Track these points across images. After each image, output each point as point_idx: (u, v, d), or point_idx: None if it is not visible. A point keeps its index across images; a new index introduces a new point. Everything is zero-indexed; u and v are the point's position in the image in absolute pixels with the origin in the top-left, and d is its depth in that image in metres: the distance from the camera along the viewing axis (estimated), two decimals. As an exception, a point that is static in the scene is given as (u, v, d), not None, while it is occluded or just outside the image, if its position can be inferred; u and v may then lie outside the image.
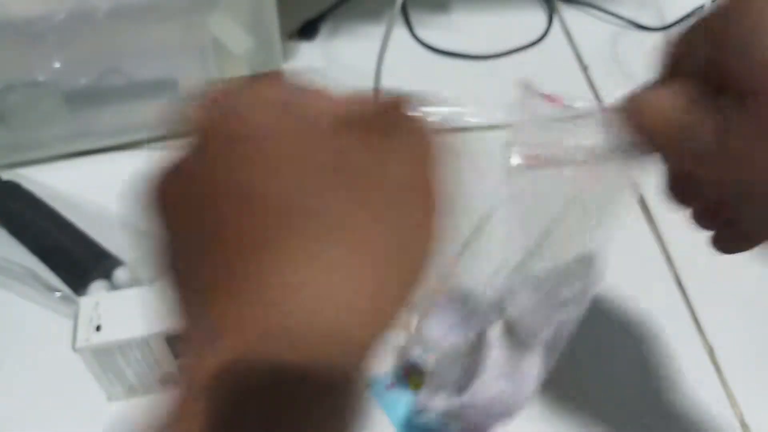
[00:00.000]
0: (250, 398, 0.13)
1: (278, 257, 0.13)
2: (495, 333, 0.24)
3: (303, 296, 0.13)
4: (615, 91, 0.53)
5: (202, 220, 0.14)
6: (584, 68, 0.50)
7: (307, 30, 0.51)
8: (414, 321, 0.24)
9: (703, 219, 0.23)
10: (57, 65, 0.37)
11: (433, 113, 0.17)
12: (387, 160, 0.14)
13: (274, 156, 0.14)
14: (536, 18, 0.54)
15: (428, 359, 0.26)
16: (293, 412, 0.13)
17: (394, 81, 0.44)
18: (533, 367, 0.23)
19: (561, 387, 0.33)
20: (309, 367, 0.13)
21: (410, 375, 0.33)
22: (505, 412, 0.21)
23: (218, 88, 0.15)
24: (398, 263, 0.14)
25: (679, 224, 0.41)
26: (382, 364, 0.33)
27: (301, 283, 0.13)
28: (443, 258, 0.15)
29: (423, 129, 0.15)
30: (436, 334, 0.25)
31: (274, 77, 0.17)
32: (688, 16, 0.52)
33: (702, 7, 0.49)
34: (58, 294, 0.34)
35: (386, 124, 0.15)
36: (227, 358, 0.13)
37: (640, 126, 0.19)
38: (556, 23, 0.53)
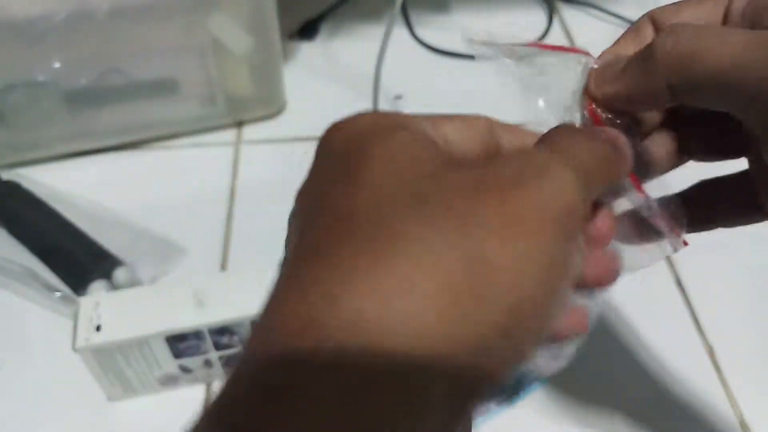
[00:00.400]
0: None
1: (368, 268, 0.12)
2: None
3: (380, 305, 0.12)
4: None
5: (315, 203, 0.14)
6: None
7: (307, 30, 0.51)
8: None
9: None
10: (57, 65, 0.37)
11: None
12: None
13: (368, 171, 0.14)
14: (536, 18, 0.54)
15: None
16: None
17: (394, 81, 0.44)
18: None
19: (561, 386, 0.33)
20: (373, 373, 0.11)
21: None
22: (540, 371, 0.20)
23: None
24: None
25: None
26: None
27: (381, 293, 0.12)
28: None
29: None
30: None
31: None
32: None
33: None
34: (58, 294, 0.34)
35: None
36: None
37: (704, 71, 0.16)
38: (555, 23, 0.53)
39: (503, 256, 0.13)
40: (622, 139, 0.16)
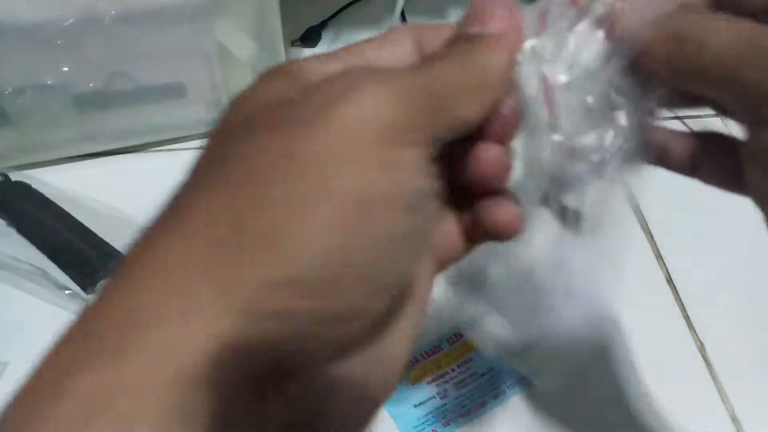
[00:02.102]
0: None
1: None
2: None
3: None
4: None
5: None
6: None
7: (310, 36, 0.52)
8: None
9: None
10: (65, 69, 0.38)
11: None
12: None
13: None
14: (533, 22, 0.55)
15: None
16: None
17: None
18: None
19: (551, 382, 0.33)
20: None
21: (409, 369, 0.34)
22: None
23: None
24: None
25: (669, 224, 0.42)
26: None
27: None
28: None
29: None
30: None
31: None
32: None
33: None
34: (67, 292, 0.34)
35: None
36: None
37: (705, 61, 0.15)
38: (551, 30, 0.54)
39: (287, 212, 0.12)
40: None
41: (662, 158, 0.19)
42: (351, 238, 0.12)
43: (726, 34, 0.15)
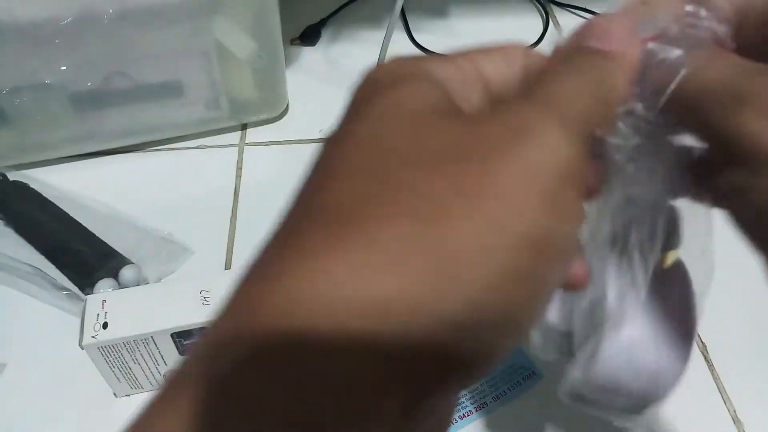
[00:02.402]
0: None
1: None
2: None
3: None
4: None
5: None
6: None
7: (309, 35, 0.52)
8: None
9: None
10: (63, 68, 0.38)
11: None
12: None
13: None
14: (532, 22, 0.54)
15: None
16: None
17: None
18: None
19: (553, 381, 0.33)
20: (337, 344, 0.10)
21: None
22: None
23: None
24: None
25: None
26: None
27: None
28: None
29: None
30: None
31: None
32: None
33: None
34: (65, 292, 0.34)
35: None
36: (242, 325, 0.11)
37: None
38: (551, 28, 0.54)
39: (468, 243, 0.11)
40: (617, 41, 0.14)
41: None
42: (520, 282, 0.12)
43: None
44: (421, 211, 0.11)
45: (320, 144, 0.14)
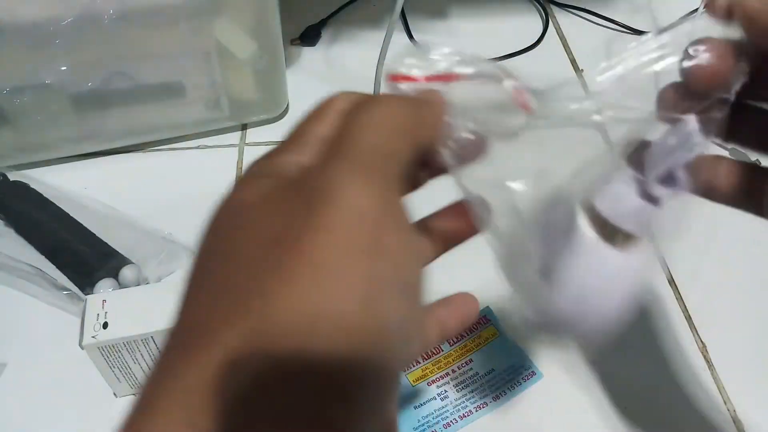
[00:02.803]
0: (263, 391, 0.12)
1: (277, 277, 0.13)
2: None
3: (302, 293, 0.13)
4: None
5: (219, 249, 0.16)
6: (579, 72, 0.51)
7: (309, 35, 0.52)
8: None
9: None
10: (64, 68, 0.38)
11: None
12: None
13: (255, 223, 0.15)
14: (532, 23, 0.55)
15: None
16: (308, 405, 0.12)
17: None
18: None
19: (555, 382, 0.33)
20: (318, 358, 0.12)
21: (410, 370, 0.33)
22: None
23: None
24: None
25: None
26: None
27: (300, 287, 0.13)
28: None
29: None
30: None
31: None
32: (680, 20, 0.53)
33: (695, 11, 0.50)
34: (65, 292, 0.34)
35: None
36: (231, 351, 0.13)
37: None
38: (551, 28, 0.54)
39: (289, 325, 0.13)
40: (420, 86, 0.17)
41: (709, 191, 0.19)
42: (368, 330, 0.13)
43: None
44: (252, 305, 0.13)
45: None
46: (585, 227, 0.18)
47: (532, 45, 0.52)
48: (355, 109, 0.16)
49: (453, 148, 0.17)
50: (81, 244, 0.36)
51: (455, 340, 0.34)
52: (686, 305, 0.37)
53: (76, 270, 0.35)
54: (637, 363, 0.34)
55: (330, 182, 0.14)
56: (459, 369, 0.33)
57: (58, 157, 0.42)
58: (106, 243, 0.36)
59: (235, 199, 0.16)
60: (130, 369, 0.30)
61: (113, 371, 0.30)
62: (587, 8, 0.55)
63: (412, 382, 0.33)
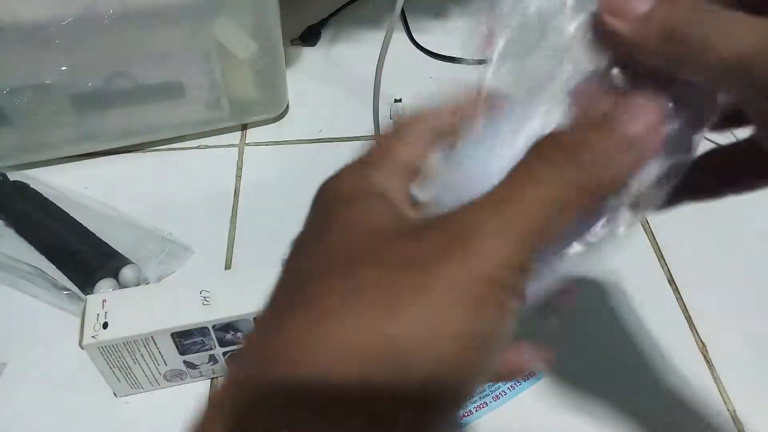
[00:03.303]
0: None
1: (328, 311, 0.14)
2: None
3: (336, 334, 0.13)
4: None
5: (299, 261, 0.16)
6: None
7: (309, 35, 0.52)
8: None
9: None
10: (64, 68, 0.38)
11: None
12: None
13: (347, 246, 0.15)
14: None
15: None
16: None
17: (394, 85, 0.45)
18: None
19: (554, 381, 0.33)
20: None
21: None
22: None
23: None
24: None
25: (670, 222, 0.42)
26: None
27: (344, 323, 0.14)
28: None
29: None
30: None
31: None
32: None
33: None
34: (65, 292, 0.34)
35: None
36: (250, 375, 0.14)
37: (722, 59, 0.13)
38: (552, 29, 0.54)
39: (414, 334, 0.13)
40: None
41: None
42: (454, 367, 0.14)
43: (736, 36, 0.14)
44: (378, 303, 0.14)
45: (294, 243, 0.17)
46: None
47: (532, 45, 0.52)
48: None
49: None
50: (81, 244, 0.36)
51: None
52: (686, 305, 0.37)
53: (76, 270, 0.35)
54: (637, 363, 0.34)
55: (465, 230, 0.14)
56: (459, 369, 0.33)
57: (58, 157, 0.42)
58: (106, 243, 0.36)
59: (348, 216, 0.16)
60: (130, 369, 0.30)
61: (113, 371, 0.30)
62: (587, 8, 0.55)
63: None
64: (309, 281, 0.15)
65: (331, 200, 0.16)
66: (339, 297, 0.14)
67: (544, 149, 0.15)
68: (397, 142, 0.18)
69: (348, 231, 0.15)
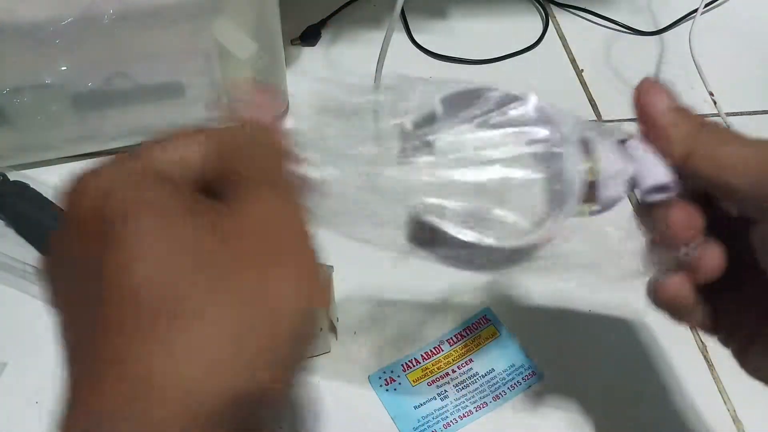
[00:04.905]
0: None
1: (134, 341, 0.14)
2: None
3: (156, 372, 0.14)
4: (609, 94, 0.53)
5: (73, 298, 0.16)
6: (579, 72, 0.51)
7: (309, 35, 0.52)
8: None
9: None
10: (64, 68, 0.38)
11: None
12: (242, 233, 0.15)
13: (136, 239, 0.15)
14: (532, 23, 0.55)
15: None
16: None
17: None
18: None
19: (553, 382, 0.33)
20: None
21: (410, 370, 0.34)
22: None
23: (91, 168, 0.17)
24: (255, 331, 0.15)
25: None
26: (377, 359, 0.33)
27: (154, 361, 0.14)
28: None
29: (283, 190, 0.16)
30: None
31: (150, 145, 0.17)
32: (680, 20, 0.53)
33: (695, 11, 0.50)
34: (65, 292, 0.34)
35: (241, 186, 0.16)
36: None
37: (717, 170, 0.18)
38: (551, 28, 0.54)
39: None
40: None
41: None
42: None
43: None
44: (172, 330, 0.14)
45: (42, 263, 0.16)
46: None
47: (531, 45, 0.52)
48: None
49: None
50: (81, 244, 0.36)
51: (455, 340, 0.35)
52: (686, 305, 0.37)
53: (76, 270, 0.35)
54: (637, 363, 0.34)
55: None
56: (459, 369, 0.33)
57: (58, 157, 0.42)
58: (106, 243, 0.36)
59: (125, 245, 0.15)
60: (131, 369, 0.30)
61: (113, 371, 0.30)
62: (587, 8, 0.55)
63: (412, 382, 0.33)
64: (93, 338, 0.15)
65: (98, 206, 0.15)
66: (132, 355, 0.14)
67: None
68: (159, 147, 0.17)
69: (126, 265, 0.15)
